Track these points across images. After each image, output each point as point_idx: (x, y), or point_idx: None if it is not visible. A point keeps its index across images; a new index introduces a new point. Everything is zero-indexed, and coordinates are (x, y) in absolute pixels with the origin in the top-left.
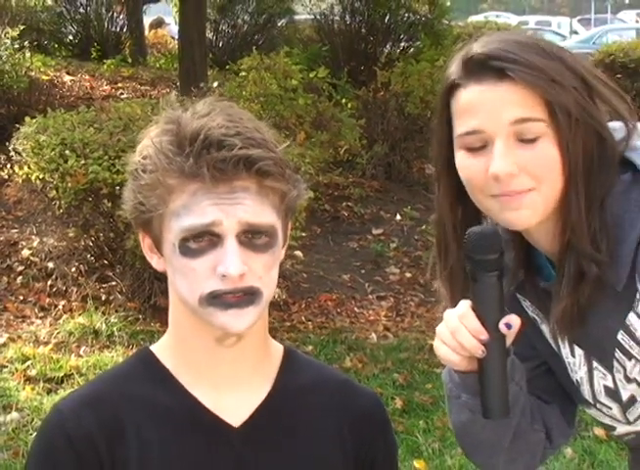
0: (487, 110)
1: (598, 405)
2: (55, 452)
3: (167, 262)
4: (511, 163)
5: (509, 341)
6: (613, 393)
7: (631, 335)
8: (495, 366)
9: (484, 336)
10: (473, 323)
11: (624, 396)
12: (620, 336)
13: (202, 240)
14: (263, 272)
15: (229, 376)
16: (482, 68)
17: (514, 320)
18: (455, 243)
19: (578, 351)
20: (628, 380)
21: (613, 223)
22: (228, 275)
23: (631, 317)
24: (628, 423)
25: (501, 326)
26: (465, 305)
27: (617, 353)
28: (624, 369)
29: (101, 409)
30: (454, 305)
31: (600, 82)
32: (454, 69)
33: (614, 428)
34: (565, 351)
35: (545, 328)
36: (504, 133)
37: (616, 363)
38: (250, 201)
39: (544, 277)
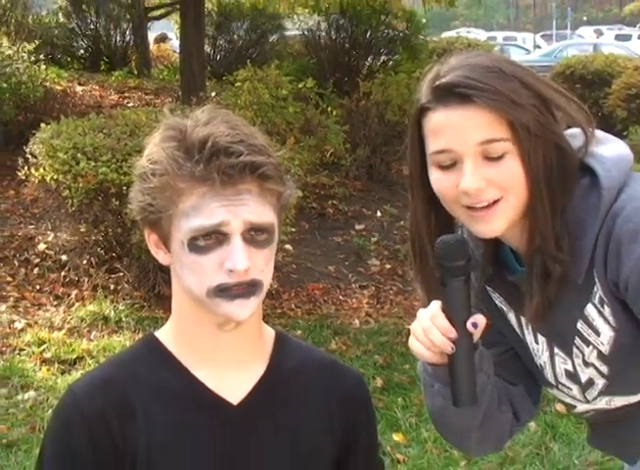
0: (455, 131)
1: (560, 386)
2: (70, 428)
3: (175, 258)
4: (479, 179)
5: (476, 337)
6: (572, 375)
7: (589, 324)
8: (463, 361)
9: (453, 334)
10: (442, 323)
11: (583, 378)
12: (580, 325)
13: (209, 238)
14: (264, 266)
15: (228, 358)
16: (449, 93)
17: (480, 320)
18: (429, 247)
19: (541, 338)
20: (586, 364)
21: (574, 225)
22: (235, 270)
23: (589, 308)
24: (587, 402)
25: (468, 325)
26: (435, 306)
27: (577, 341)
28: (583, 355)
29: (111, 390)
30: (429, 303)
31: (558, 94)
32: (424, 92)
33: (574, 406)
34: (529, 338)
35: (512, 317)
36: (472, 153)
37: (575, 349)
38: (253, 202)
39: (510, 270)
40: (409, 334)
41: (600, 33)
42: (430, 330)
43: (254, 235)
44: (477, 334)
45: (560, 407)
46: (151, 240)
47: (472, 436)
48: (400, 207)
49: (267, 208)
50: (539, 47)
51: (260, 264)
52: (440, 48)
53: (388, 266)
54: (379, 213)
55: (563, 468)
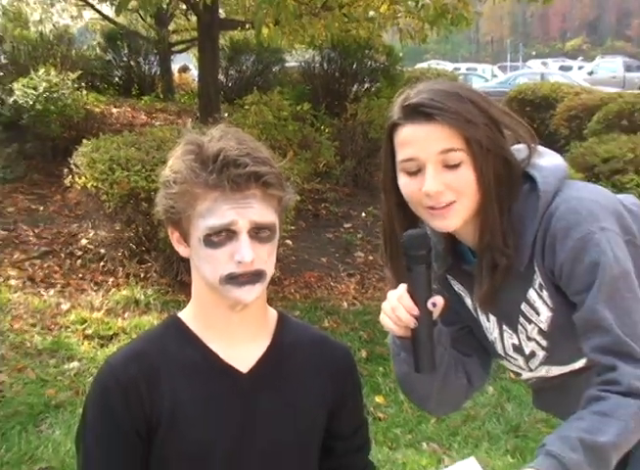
0: (420, 143)
1: (508, 358)
2: (108, 392)
3: (193, 251)
4: (439, 183)
5: (436, 314)
6: (518, 348)
7: (531, 305)
8: (424, 334)
9: (416, 312)
10: (407, 302)
11: (527, 350)
12: (523, 306)
13: (221, 235)
14: (267, 258)
15: (238, 334)
16: (416, 112)
17: (438, 300)
18: (398, 239)
19: (492, 317)
20: (529, 339)
21: (517, 223)
22: (243, 261)
23: (531, 292)
24: (530, 371)
25: (429, 304)
26: (402, 288)
27: (521, 319)
28: (526, 331)
29: (142, 362)
30: (397, 286)
31: (506, 115)
32: (395, 111)
33: (520, 374)
34: (482, 317)
35: (468, 301)
36: (433, 161)
37: (520, 327)
38: (257, 205)
39: (466, 261)
40: None
41: (546, 65)
42: (397, 308)
43: (259, 232)
44: (436, 312)
45: (513, 374)
46: (174, 237)
47: (432, 398)
48: (381, 208)
49: (269, 210)
50: (496, 76)
51: (264, 257)
52: (415, 77)
53: (370, 258)
54: (363, 214)
55: (515, 424)
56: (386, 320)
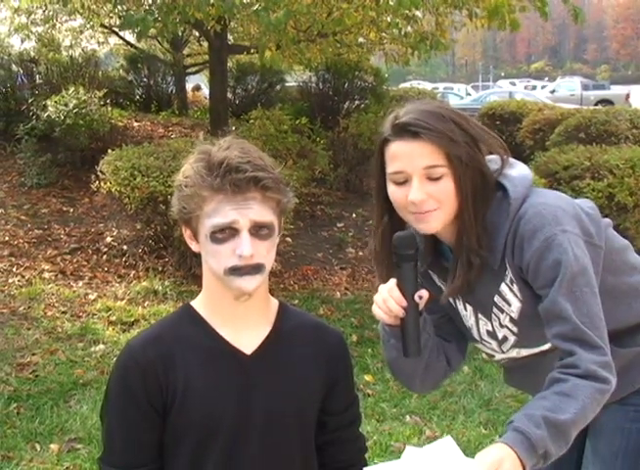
0: (407, 158)
1: (483, 342)
2: (128, 372)
3: (202, 247)
4: (422, 193)
5: (421, 306)
6: (492, 334)
7: (503, 297)
8: (411, 323)
9: (404, 303)
10: (397, 295)
11: (500, 336)
12: (496, 298)
13: (225, 232)
14: (266, 253)
15: (243, 321)
16: (404, 130)
17: (424, 293)
18: (388, 240)
19: (469, 307)
20: (502, 326)
21: (490, 227)
22: (243, 256)
23: (502, 286)
24: (503, 352)
25: (415, 297)
26: (392, 282)
27: (494, 309)
28: (499, 319)
29: (159, 345)
30: (386, 280)
31: (483, 131)
32: (386, 128)
33: (493, 356)
34: (460, 307)
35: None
36: (418, 174)
37: (493, 315)
38: (256, 206)
39: (446, 259)
40: None
41: (513, 84)
42: (387, 300)
43: (258, 230)
44: (421, 303)
45: (486, 357)
46: (186, 234)
47: (417, 378)
48: (369, 210)
49: (268, 210)
50: (470, 94)
51: (263, 252)
52: (398, 95)
53: (360, 254)
54: (354, 215)
55: (487, 399)
56: (377, 311)
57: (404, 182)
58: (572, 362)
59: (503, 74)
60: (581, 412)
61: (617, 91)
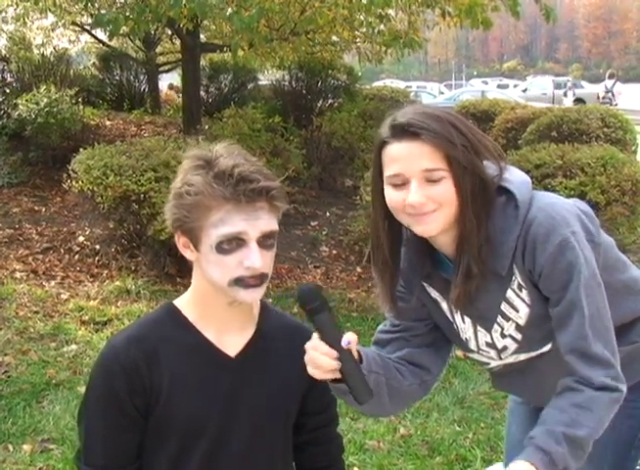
0: (406, 160)
1: (480, 352)
2: (112, 374)
3: (202, 256)
4: (421, 196)
5: (354, 350)
6: (491, 345)
7: (510, 304)
8: (351, 368)
9: (335, 354)
10: (324, 349)
11: (499, 346)
12: (503, 306)
13: (232, 243)
14: (270, 262)
15: (229, 324)
16: (403, 131)
17: (351, 337)
18: (384, 245)
19: (467, 319)
20: (503, 336)
21: (495, 233)
22: (252, 267)
23: (509, 292)
24: (501, 359)
25: (344, 343)
26: (314, 338)
27: (499, 318)
28: (502, 329)
29: (143, 345)
30: (383, 285)
31: (479, 135)
32: (384, 130)
33: (489, 364)
34: (457, 319)
35: (444, 305)
36: (417, 177)
37: (495, 325)
38: (265, 216)
39: (443, 269)
40: (350, 301)
41: (486, 83)
42: (316, 359)
43: (264, 240)
44: (353, 347)
45: (459, 353)
46: (180, 241)
47: (387, 409)
48: (343, 209)
49: (274, 219)
50: (443, 93)
51: (268, 262)
52: (372, 94)
53: (334, 252)
54: (327, 214)
55: (461, 397)
56: (313, 372)
57: (402, 185)
58: (587, 378)
59: (475, 73)
60: (599, 424)
61: (590, 90)
